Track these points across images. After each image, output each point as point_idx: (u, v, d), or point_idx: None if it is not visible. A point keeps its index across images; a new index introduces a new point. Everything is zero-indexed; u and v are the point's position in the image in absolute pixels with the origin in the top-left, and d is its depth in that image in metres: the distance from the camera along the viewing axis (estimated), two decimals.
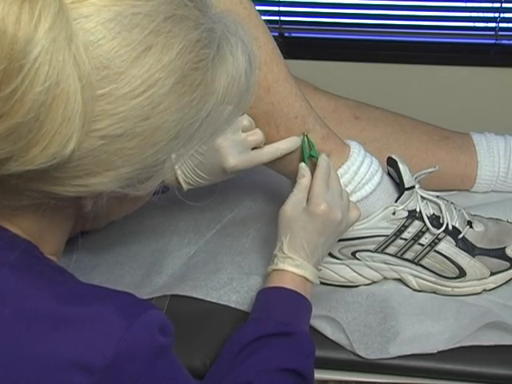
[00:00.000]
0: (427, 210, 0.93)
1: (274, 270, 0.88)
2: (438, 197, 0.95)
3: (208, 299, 0.95)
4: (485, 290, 0.97)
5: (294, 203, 0.87)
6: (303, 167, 0.88)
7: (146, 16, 0.54)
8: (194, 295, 0.96)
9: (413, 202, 0.93)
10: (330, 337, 0.91)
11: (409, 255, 0.95)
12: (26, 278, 0.59)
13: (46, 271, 0.61)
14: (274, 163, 0.93)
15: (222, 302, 0.95)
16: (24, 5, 0.48)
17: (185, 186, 0.90)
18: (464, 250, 0.95)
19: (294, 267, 0.86)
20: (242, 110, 0.65)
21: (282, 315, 0.84)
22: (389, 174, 0.96)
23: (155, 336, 0.59)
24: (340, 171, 0.92)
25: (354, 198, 0.92)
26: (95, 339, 0.56)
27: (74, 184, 0.56)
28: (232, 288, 0.96)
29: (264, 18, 0.88)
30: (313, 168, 0.88)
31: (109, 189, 0.57)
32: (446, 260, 0.95)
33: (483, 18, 1.31)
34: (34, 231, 0.62)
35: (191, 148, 0.61)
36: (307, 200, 0.86)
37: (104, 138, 0.54)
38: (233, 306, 0.95)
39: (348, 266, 0.97)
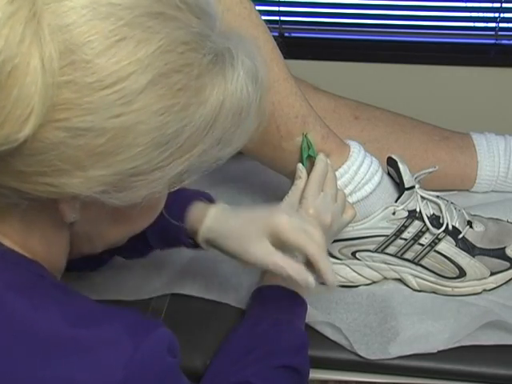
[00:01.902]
0: (427, 210, 0.93)
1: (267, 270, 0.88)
2: (438, 197, 0.95)
3: (207, 297, 0.96)
4: (485, 290, 0.97)
5: (287, 206, 0.87)
6: (300, 168, 0.88)
7: (125, 8, 0.52)
8: (194, 294, 0.96)
9: (413, 201, 0.93)
10: (331, 337, 0.91)
11: (409, 255, 0.95)
12: (31, 298, 0.56)
13: (50, 290, 0.59)
14: (275, 163, 0.93)
15: (221, 301, 0.95)
16: None
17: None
18: (464, 250, 0.95)
19: None
20: (242, 136, 0.60)
21: (276, 312, 0.84)
22: (389, 173, 0.96)
23: (163, 357, 0.57)
24: (340, 171, 0.92)
25: (353, 198, 0.92)
26: (102, 363, 0.54)
27: (42, 182, 0.53)
28: (231, 286, 0.96)
29: (264, 18, 0.88)
30: (311, 168, 0.88)
31: (80, 192, 0.54)
32: (445, 260, 0.95)
33: (483, 18, 1.31)
34: (29, 247, 0.60)
35: (179, 165, 0.57)
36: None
37: (69, 130, 0.51)
38: (233, 304, 0.95)
39: (348, 266, 0.97)
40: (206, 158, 0.59)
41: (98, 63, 0.51)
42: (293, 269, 0.78)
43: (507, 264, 0.96)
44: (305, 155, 0.89)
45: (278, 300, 0.86)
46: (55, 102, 0.50)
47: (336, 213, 0.86)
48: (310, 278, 0.78)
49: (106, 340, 0.55)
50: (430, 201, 0.94)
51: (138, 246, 0.86)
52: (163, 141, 0.55)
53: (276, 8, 1.34)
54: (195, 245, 0.85)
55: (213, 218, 0.82)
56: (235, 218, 0.82)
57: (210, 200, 0.85)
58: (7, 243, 0.59)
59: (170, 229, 0.82)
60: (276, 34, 1.33)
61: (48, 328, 0.55)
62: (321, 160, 0.88)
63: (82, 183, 0.54)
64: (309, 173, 0.88)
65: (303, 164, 0.89)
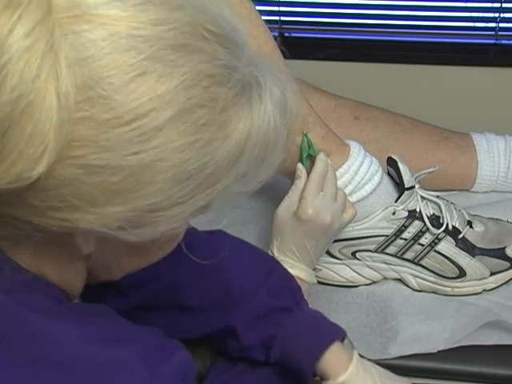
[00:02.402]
0: (427, 210, 0.93)
1: None
2: (438, 197, 0.95)
3: None
4: (485, 290, 0.97)
5: (286, 206, 0.87)
6: (300, 168, 0.88)
7: (146, 40, 0.48)
8: None
9: (413, 202, 0.93)
10: None
11: (409, 255, 0.95)
12: (48, 321, 0.55)
13: (66, 313, 0.57)
14: None
15: None
16: (6, 9, 0.45)
17: None
18: (464, 250, 0.95)
19: (287, 268, 0.87)
20: (268, 170, 0.57)
21: None
22: (389, 174, 0.96)
23: None
24: (340, 171, 0.92)
25: (353, 198, 0.92)
26: None
27: (56, 217, 0.50)
28: None
29: (264, 18, 0.88)
30: (311, 168, 0.88)
31: (95, 228, 0.51)
32: (445, 260, 0.95)
33: (483, 17, 1.31)
34: (48, 273, 0.58)
35: (200, 200, 0.53)
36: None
37: (84, 167, 0.48)
38: None
39: (348, 266, 0.98)
40: (230, 192, 0.56)
41: (117, 99, 0.48)
42: None
43: (507, 264, 0.96)
44: (305, 155, 0.89)
45: None
46: (70, 138, 0.48)
47: (336, 212, 0.86)
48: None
49: (122, 366, 0.54)
50: (430, 201, 0.94)
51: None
52: (184, 177, 0.51)
53: (276, 8, 1.34)
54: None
55: (352, 374, 0.77)
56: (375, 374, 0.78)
57: (343, 334, 0.80)
58: (22, 266, 0.57)
59: (294, 355, 0.78)
60: (276, 33, 1.33)
61: (64, 351, 0.54)
62: (321, 159, 0.88)
63: (97, 219, 0.51)
64: (309, 172, 0.88)
65: (303, 164, 0.89)
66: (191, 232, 0.68)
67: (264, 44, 0.87)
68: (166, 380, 0.55)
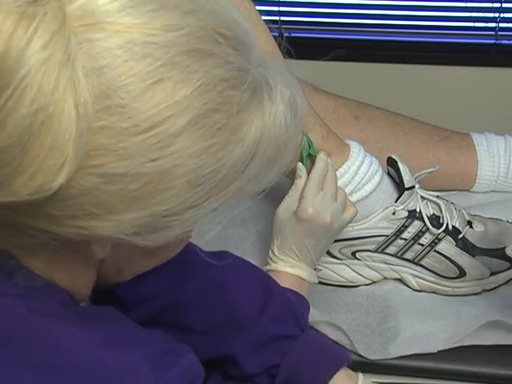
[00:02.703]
0: (427, 210, 0.93)
1: (269, 270, 0.89)
2: (438, 197, 0.95)
3: None
4: (485, 290, 0.97)
5: (286, 206, 0.87)
6: (300, 168, 0.88)
7: (161, 47, 0.48)
8: None
9: (413, 202, 0.93)
10: (331, 336, 0.91)
11: (409, 255, 0.95)
12: (55, 325, 0.55)
13: (73, 318, 0.57)
14: None
15: None
16: (22, 20, 0.44)
17: None
18: (464, 250, 0.95)
19: (287, 268, 0.88)
20: (279, 170, 0.58)
21: None
22: (389, 174, 0.96)
23: None
24: (340, 171, 0.92)
25: (353, 198, 0.92)
26: None
27: (73, 225, 0.50)
28: None
29: (264, 18, 0.88)
30: (311, 167, 0.88)
31: (112, 234, 0.51)
32: (445, 260, 0.95)
33: (483, 18, 1.31)
34: (57, 278, 0.59)
35: (214, 202, 0.54)
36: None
37: (103, 175, 0.48)
38: None
39: (348, 266, 0.98)
40: (242, 193, 0.56)
41: (135, 107, 0.47)
42: None
43: (507, 264, 0.96)
44: (305, 154, 0.89)
45: None
46: (89, 148, 0.47)
47: (336, 212, 0.86)
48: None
49: (129, 370, 0.54)
50: (430, 201, 0.94)
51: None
52: (199, 181, 0.51)
53: (276, 8, 1.34)
54: None
55: None
56: None
57: (348, 359, 0.81)
58: (35, 272, 0.57)
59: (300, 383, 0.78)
60: (276, 34, 1.33)
61: (71, 354, 0.54)
62: (321, 159, 0.88)
63: (114, 226, 0.51)
64: (309, 172, 0.88)
65: (303, 163, 0.89)
66: (196, 252, 0.69)
67: (264, 44, 0.87)
68: None
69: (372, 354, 0.89)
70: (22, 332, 0.54)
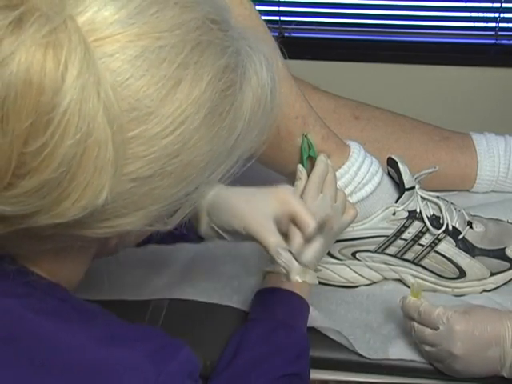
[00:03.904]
0: (427, 211, 0.93)
1: (269, 272, 0.89)
2: (438, 197, 0.95)
3: (210, 301, 0.95)
4: (485, 291, 0.97)
5: None
6: (300, 169, 0.88)
7: (172, 48, 0.50)
8: (197, 298, 0.95)
9: (413, 202, 0.93)
10: (331, 336, 0.91)
11: (409, 256, 0.95)
12: (54, 324, 0.56)
13: (72, 314, 0.58)
14: (274, 164, 0.93)
15: (224, 303, 0.95)
16: (48, 51, 0.45)
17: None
18: (464, 251, 0.95)
19: None
20: (268, 130, 0.61)
21: (280, 315, 0.85)
22: (389, 174, 0.96)
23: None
24: (340, 171, 0.92)
25: (354, 199, 0.92)
26: None
27: (102, 226, 0.52)
28: (233, 288, 0.96)
29: (264, 17, 0.88)
30: (311, 169, 0.88)
31: (137, 227, 0.54)
32: (446, 260, 0.95)
33: (483, 18, 1.32)
34: (56, 272, 0.59)
35: (218, 175, 0.58)
36: None
37: (135, 180, 0.51)
38: (235, 306, 0.94)
39: (348, 267, 0.97)
40: (240, 161, 0.60)
41: (160, 113, 0.50)
42: (284, 256, 0.76)
43: (507, 264, 0.96)
44: (305, 156, 0.89)
45: (280, 303, 0.86)
46: (124, 158, 0.49)
47: (335, 214, 0.86)
48: (294, 272, 0.77)
49: (129, 366, 0.55)
50: (430, 201, 0.94)
51: None
52: (212, 163, 0.55)
53: (276, 8, 1.34)
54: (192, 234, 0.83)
55: (216, 194, 0.79)
56: (239, 192, 0.80)
57: None
58: (34, 270, 0.58)
59: None
60: (276, 34, 1.33)
61: (72, 352, 0.54)
62: (321, 161, 0.88)
63: (140, 220, 0.53)
64: (309, 173, 0.88)
65: (303, 165, 0.89)
66: None
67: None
68: (174, 378, 0.56)
69: (374, 353, 0.89)
70: (23, 332, 0.54)
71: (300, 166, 0.88)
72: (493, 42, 1.32)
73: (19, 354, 0.53)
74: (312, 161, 0.89)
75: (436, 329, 0.82)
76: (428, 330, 0.83)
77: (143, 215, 0.53)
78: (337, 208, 0.86)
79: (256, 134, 0.59)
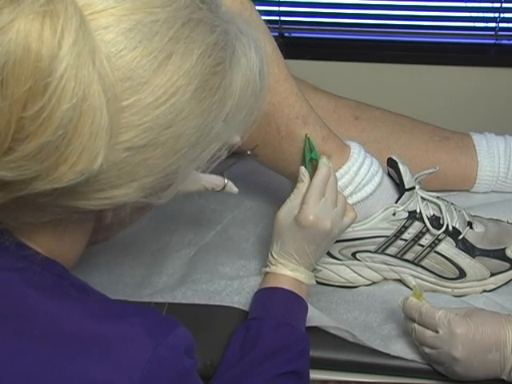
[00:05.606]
0: (427, 211, 0.93)
1: (268, 272, 0.90)
2: (438, 197, 0.95)
3: (211, 303, 0.95)
4: (485, 291, 0.97)
5: (287, 210, 0.87)
6: (303, 172, 0.88)
7: (164, 23, 0.53)
8: (197, 301, 0.95)
9: (413, 202, 0.93)
10: (331, 331, 0.90)
11: (409, 256, 0.95)
12: (53, 299, 0.57)
13: (70, 290, 0.60)
14: (275, 164, 0.93)
15: (224, 304, 0.95)
16: (45, 20, 0.47)
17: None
18: (464, 251, 0.95)
19: (286, 271, 0.88)
20: (257, 111, 0.64)
21: (280, 314, 0.85)
22: (389, 174, 0.96)
23: (181, 359, 0.58)
24: (340, 172, 0.91)
25: (354, 199, 0.92)
26: (123, 362, 0.55)
27: (97, 197, 0.54)
28: (234, 289, 0.96)
29: (264, 17, 0.88)
30: (313, 171, 0.88)
31: (132, 199, 0.56)
32: (446, 261, 0.95)
33: (483, 18, 1.31)
34: (53, 247, 0.61)
35: (208, 154, 0.60)
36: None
37: (129, 149, 0.53)
38: (236, 306, 0.94)
39: (348, 267, 0.98)
40: (230, 139, 0.63)
41: (153, 83, 0.52)
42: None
43: (507, 265, 0.96)
44: (307, 158, 0.89)
45: (279, 302, 0.86)
46: (119, 126, 0.52)
47: (336, 217, 0.86)
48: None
49: (127, 338, 0.56)
50: (430, 201, 0.94)
51: None
52: (203, 137, 0.57)
53: (276, 8, 1.34)
54: None
55: None
56: None
57: None
58: (34, 247, 0.59)
59: None
60: (276, 34, 1.33)
61: (71, 326, 0.56)
62: (323, 164, 0.87)
63: (135, 192, 0.56)
64: (310, 175, 0.88)
65: (305, 166, 0.89)
66: None
67: (264, 45, 0.87)
68: (172, 350, 0.57)
69: (376, 345, 0.89)
70: (22, 308, 0.56)
71: (302, 169, 0.88)
72: (493, 42, 1.32)
73: (19, 327, 0.55)
74: (313, 163, 0.89)
75: (436, 331, 0.82)
76: (428, 333, 0.83)
77: (137, 187, 0.55)
78: (337, 212, 0.86)
79: (245, 113, 0.61)
